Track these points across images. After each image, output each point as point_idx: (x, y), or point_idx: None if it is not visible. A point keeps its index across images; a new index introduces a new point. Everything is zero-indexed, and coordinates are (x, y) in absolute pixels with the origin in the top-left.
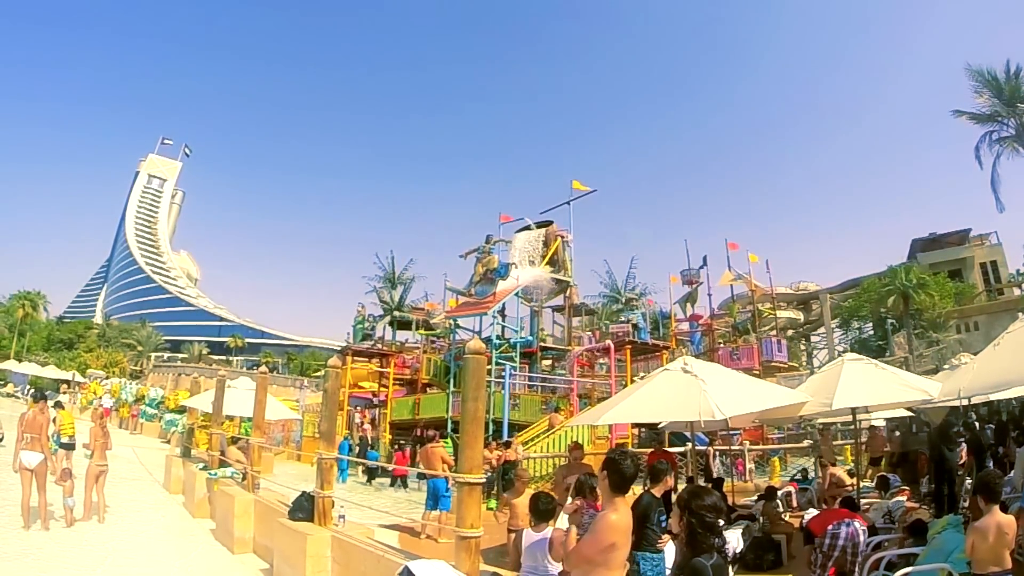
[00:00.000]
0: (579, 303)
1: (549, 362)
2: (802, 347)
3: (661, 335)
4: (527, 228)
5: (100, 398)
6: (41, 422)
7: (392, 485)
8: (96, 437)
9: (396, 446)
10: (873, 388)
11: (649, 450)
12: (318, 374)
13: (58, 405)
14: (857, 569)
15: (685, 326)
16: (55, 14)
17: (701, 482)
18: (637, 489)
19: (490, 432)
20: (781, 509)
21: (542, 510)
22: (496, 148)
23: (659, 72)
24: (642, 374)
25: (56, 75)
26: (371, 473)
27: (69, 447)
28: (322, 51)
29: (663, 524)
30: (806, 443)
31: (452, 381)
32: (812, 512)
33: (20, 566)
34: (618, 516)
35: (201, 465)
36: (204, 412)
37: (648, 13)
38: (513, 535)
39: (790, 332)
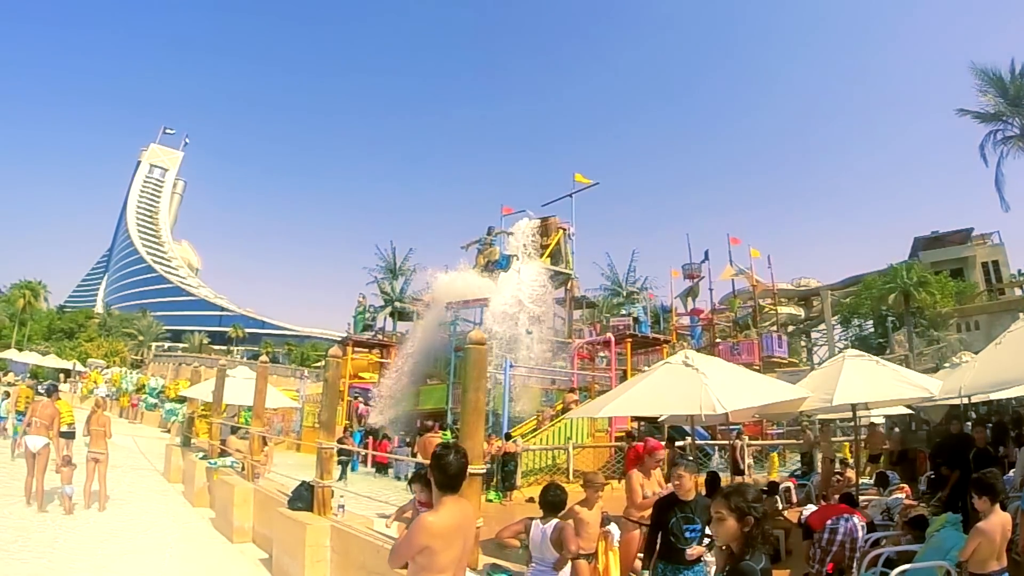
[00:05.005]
0: (580, 296)
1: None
2: (802, 343)
3: (662, 329)
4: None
5: (97, 386)
6: (52, 413)
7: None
8: (88, 424)
9: (383, 436)
10: (874, 385)
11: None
12: (318, 364)
13: (54, 388)
14: (855, 564)
15: (686, 320)
16: (57, 4)
17: (724, 476)
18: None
19: (489, 424)
20: (781, 505)
21: (550, 501)
22: (499, 140)
23: (664, 68)
24: (644, 367)
25: (58, 65)
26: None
27: (68, 436)
28: (325, 41)
29: (688, 533)
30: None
31: (452, 372)
32: (811, 507)
33: (19, 554)
34: (436, 518)
35: (201, 454)
36: (204, 401)
37: (657, 11)
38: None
39: (791, 328)
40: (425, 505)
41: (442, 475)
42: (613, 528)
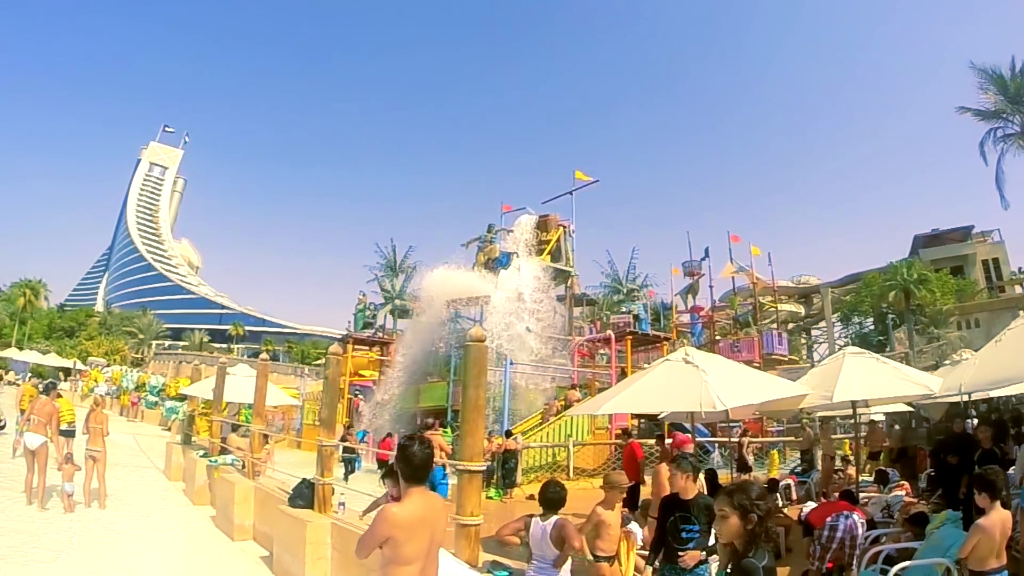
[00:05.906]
0: (580, 293)
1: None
2: (803, 341)
3: (662, 326)
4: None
5: (98, 385)
6: (50, 410)
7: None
8: (87, 422)
9: (387, 434)
10: (874, 382)
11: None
12: (319, 362)
13: (52, 386)
14: (855, 562)
15: (686, 318)
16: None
17: (724, 473)
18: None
19: (490, 421)
20: (781, 502)
21: (550, 499)
22: (499, 137)
23: (665, 63)
24: (644, 365)
25: (58, 63)
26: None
27: (69, 434)
28: (325, 40)
29: (684, 534)
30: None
31: (452, 370)
32: (811, 505)
33: (23, 554)
34: (399, 509)
35: (201, 452)
36: (205, 399)
37: (657, 6)
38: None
39: (791, 326)
40: (396, 499)
41: (407, 467)
42: (635, 528)
